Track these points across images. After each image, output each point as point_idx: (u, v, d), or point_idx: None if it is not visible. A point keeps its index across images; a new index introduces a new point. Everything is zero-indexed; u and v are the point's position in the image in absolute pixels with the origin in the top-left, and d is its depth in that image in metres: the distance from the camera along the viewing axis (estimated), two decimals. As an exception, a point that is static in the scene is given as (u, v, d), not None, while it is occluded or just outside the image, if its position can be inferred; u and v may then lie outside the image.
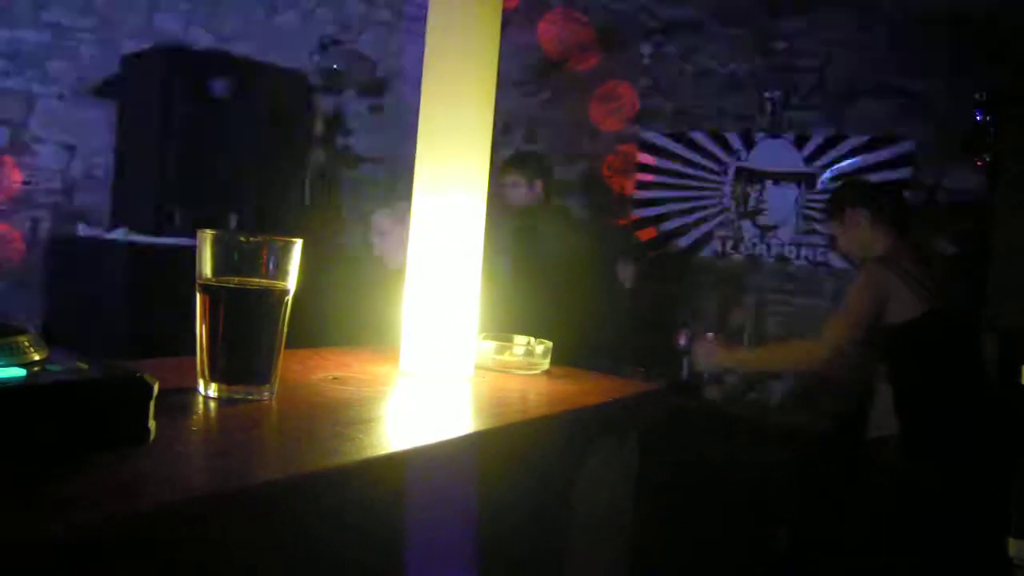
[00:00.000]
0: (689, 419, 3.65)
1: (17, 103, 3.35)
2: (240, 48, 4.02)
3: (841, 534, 3.09)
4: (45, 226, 3.48)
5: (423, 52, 1.23)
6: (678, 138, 4.91)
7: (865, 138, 4.40)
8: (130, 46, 3.61)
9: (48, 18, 3.38)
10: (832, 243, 3.08)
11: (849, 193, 3.11)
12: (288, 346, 0.96)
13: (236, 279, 0.90)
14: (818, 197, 4.51)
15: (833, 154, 4.49)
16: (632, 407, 1.28)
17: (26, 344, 0.65)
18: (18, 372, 0.60)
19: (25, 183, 3.42)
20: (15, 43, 3.31)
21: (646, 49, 5.00)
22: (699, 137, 4.85)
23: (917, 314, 2.72)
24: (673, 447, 2.96)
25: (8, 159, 3.36)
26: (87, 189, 3.60)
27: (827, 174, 4.50)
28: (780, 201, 4.64)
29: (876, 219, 2.94)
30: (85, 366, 0.64)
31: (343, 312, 2.82)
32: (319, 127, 4.19)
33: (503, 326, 1.40)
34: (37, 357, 0.65)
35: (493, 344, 1.31)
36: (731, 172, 4.78)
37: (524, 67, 4.92)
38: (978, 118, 3.70)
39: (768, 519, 3.54)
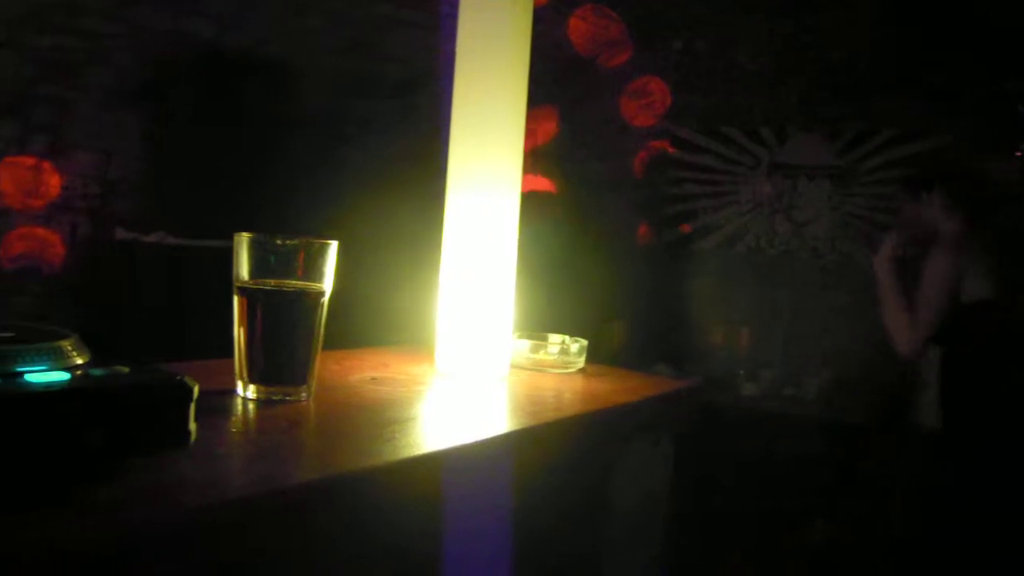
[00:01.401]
0: (725, 415, 3.63)
1: (55, 110, 3.40)
2: (271, 51, 4.04)
3: (880, 528, 3.05)
4: (84, 230, 3.53)
5: (454, 52, 1.23)
6: (710, 133, 4.89)
7: (899, 131, 4.35)
8: (164, 51, 3.65)
9: (84, 25, 3.43)
10: (900, 224, 2.90)
11: (922, 176, 2.94)
12: (325, 346, 0.97)
13: (273, 281, 0.91)
14: (852, 191, 4.47)
15: (866, 147, 4.45)
16: (667, 405, 1.28)
17: (69, 348, 0.66)
18: (62, 376, 0.61)
19: (64, 188, 3.46)
20: (52, 51, 3.35)
21: (677, 45, 4.98)
22: (731, 132, 4.82)
23: (985, 298, 2.60)
24: (709, 444, 2.95)
25: (47, 165, 3.41)
26: (125, 193, 3.65)
27: (861, 168, 4.45)
28: (813, 195, 4.61)
29: (950, 204, 2.80)
30: (127, 370, 0.65)
31: (379, 312, 2.83)
32: (351, 127, 4.21)
33: (539, 325, 1.40)
34: (80, 361, 0.66)
35: (528, 343, 1.31)
36: (764, 167, 4.74)
37: (555, 64, 4.91)
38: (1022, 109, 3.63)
39: (806, 514, 3.51)
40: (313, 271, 0.93)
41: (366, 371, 1.16)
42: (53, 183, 3.44)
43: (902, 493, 3.01)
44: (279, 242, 0.92)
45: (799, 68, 4.62)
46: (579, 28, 4.89)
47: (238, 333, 0.92)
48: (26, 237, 3.38)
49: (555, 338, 1.33)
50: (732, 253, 4.82)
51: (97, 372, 0.64)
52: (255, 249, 0.91)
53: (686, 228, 4.98)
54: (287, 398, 0.92)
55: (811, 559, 3.47)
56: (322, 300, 0.93)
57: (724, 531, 3.33)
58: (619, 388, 1.26)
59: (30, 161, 3.36)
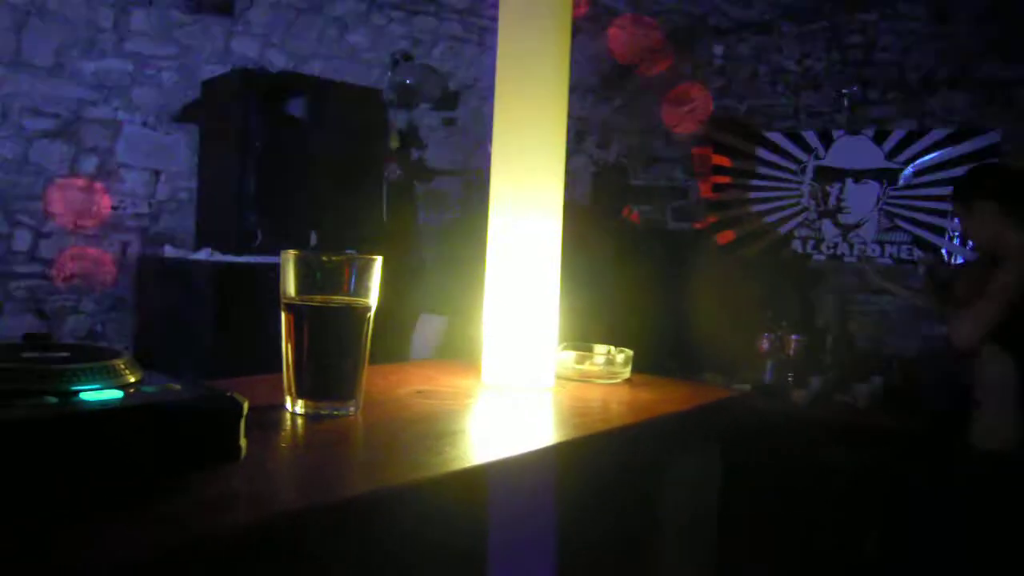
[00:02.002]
0: (774, 423, 3.59)
1: (104, 131, 3.47)
2: (314, 68, 4.09)
3: (934, 539, 3.00)
4: (134, 249, 3.59)
5: (495, 64, 1.24)
6: (754, 139, 4.85)
7: (948, 131, 4.29)
8: (209, 71, 3.70)
9: (131, 48, 3.49)
10: (961, 233, 2.82)
11: (976, 182, 2.85)
12: (371, 361, 0.97)
13: (319, 297, 0.92)
14: (901, 194, 4.41)
15: (915, 148, 4.39)
16: (716, 414, 1.27)
17: (122, 367, 0.67)
18: (116, 394, 0.62)
19: (114, 208, 3.53)
20: (100, 74, 3.42)
21: (718, 50, 4.96)
22: (775, 137, 4.78)
23: None
24: (759, 453, 2.92)
25: (98, 186, 3.47)
26: (172, 212, 3.71)
27: (909, 170, 4.40)
28: (861, 199, 4.55)
29: (1006, 211, 2.69)
30: (178, 387, 0.66)
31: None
32: (394, 142, 4.24)
33: (585, 335, 1.40)
34: (132, 379, 0.67)
35: (573, 354, 1.31)
36: (809, 171, 4.70)
37: (595, 74, 4.91)
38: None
39: (859, 524, 3.46)
40: (359, 287, 0.93)
41: (412, 385, 1.17)
42: (104, 203, 3.50)
43: (954, 500, 2.95)
44: (325, 259, 0.93)
45: (845, 69, 4.57)
46: (619, 37, 4.89)
47: (286, 349, 0.93)
48: (78, 257, 3.45)
49: (600, 348, 1.33)
50: (779, 258, 4.78)
51: (149, 390, 0.65)
52: (301, 266, 0.92)
53: (731, 235, 4.94)
54: (335, 412, 0.93)
55: (865, 570, 3.42)
56: (368, 315, 0.94)
57: (776, 541, 3.29)
58: (666, 398, 1.25)
59: (81, 182, 3.43)
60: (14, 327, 3.27)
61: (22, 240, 3.29)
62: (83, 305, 3.48)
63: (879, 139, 4.48)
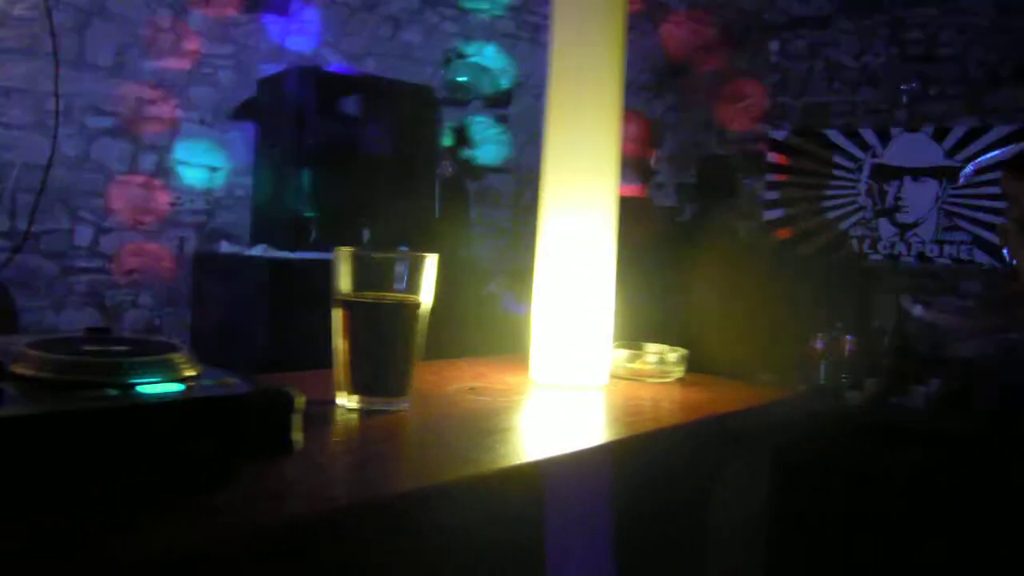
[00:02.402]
0: (829, 425, 3.54)
1: (163, 129, 3.53)
2: (368, 65, 4.12)
3: (998, 543, 2.93)
4: (191, 244, 3.65)
5: (547, 62, 1.24)
6: (810, 136, 4.78)
7: (1010, 128, 4.19)
8: (265, 70, 3.75)
9: (188, 47, 3.55)
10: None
11: None
12: (425, 357, 0.98)
13: (372, 294, 0.93)
14: (961, 192, 4.32)
15: (976, 146, 4.29)
16: (769, 414, 1.25)
17: (181, 360, 0.68)
18: (175, 388, 0.63)
19: (172, 204, 3.59)
20: (159, 73, 3.48)
21: (774, 46, 4.90)
22: (832, 134, 4.71)
23: None
24: (812, 455, 2.88)
25: (157, 183, 3.54)
26: (229, 208, 3.76)
27: (970, 168, 4.31)
28: (919, 198, 4.47)
29: None
30: (234, 382, 0.67)
31: (477, 321, 2.85)
32: (447, 140, 4.26)
33: (638, 334, 1.39)
34: (191, 373, 0.68)
35: (625, 352, 1.30)
36: (866, 169, 4.62)
37: (649, 71, 4.88)
38: None
39: (916, 527, 3.39)
40: (411, 283, 0.94)
41: (464, 381, 1.17)
42: (162, 200, 3.57)
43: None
44: (377, 255, 0.94)
45: (904, 65, 4.49)
46: (673, 34, 4.86)
47: (339, 345, 0.94)
48: (138, 252, 3.51)
49: (653, 347, 1.32)
50: (834, 258, 4.71)
51: (206, 384, 0.66)
52: (355, 263, 0.93)
53: (786, 233, 4.88)
54: (387, 408, 0.94)
55: (923, 575, 3.36)
56: (420, 312, 0.95)
57: (831, 545, 3.25)
58: (719, 398, 1.24)
59: (140, 179, 3.49)
60: (75, 320, 3.35)
61: (83, 235, 3.37)
62: (142, 299, 3.55)
63: (939, 136, 4.40)
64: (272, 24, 3.80)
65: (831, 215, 4.73)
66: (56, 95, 2.63)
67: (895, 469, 3.45)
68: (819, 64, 4.78)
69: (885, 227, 4.57)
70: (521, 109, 4.64)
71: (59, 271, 3.32)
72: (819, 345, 4.10)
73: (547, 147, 1.24)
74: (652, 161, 3.16)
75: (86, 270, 3.39)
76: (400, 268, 0.94)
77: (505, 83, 4.58)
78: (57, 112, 2.71)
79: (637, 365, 1.30)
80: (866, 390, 3.98)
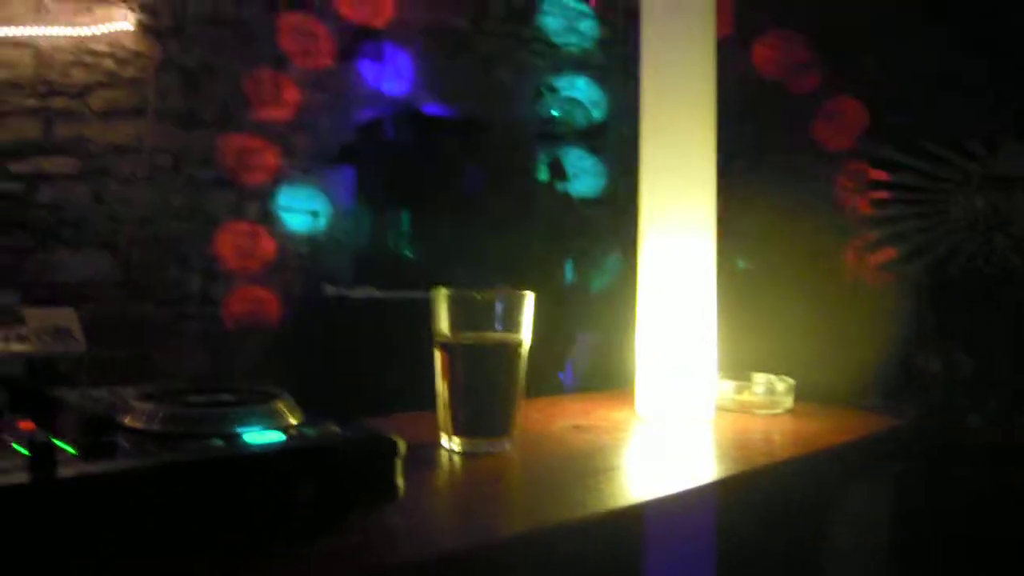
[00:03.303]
0: (951, 450, 3.39)
1: (266, 178, 3.63)
2: (463, 106, 4.18)
3: None
4: (295, 288, 3.74)
5: (638, 91, 1.23)
6: (913, 150, 4.64)
7: None
8: (362, 115, 3.84)
9: (288, 98, 3.66)
10: None
11: None
12: (527, 392, 0.97)
13: (472, 334, 0.92)
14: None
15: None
16: (886, 443, 1.20)
17: (283, 408, 0.69)
18: (277, 436, 0.64)
19: (277, 250, 3.69)
20: (262, 123, 3.60)
21: (869, 59, 4.78)
22: (935, 147, 4.56)
23: None
24: (935, 483, 2.76)
25: (261, 229, 3.64)
26: (331, 251, 3.84)
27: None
28: (1035, 209, 4.28)
29: None
30: (336, 428, 0.67)
31: (578, 355, 2.84)
32: (542, 174, 4.27)
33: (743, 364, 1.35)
34: (293, 420, 0.68)
35: (732, 383, 1.27)
36: (975, 181, 4.45)
37: (741, 94, 4.82)
38: None
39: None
40: (511, 322, 0.93)
41: (568, 419, 1.16)
42: (267, 246, 3.66)
43: None
44: (476, 295, 0.93)
45: (1012, 72, 4.32)
46: (764, 55, 4.79)
47: (441, 386, 0.94)
48: (245, 298, 3.61)
49: (760, 377, 1.28)
50: (945, 275, 4.54)
51: (309, 431, 0.66)
52: (453, 303, 0.93)
53: (892, 252, 4.73)
54: (491, 449, 0.93)
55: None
56: (521, 351, 0.94)
57: (956, 574, 3.10)
58: (832, 428, 1.20)
59: (246, 227, 3.59)
60: (188, 366, 3.45)
61: (194, 283, 3.48)
62: (250, 343, 3.64)
63: (1053, 144, 4.21)
64: (367, 70, 3.89)
65: (940, 230, 4.57)
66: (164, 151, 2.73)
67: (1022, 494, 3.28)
68: (919, 75, 4.64)
69: (999, 240, 4.39)
70: (615, 141, 4.63)
71: (171, 318, 3.43)
72: (934, 367, 3.95)
73: (643, 176, 1.22)
74: None
75: (197, 316, 3.50)
76: (499, 307, 0.94)
77: (598, 115, 4.58)
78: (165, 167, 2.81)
79: (745, 396, 1.26)
80: (987, 411, 3.81)
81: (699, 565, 0.86)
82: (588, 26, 4.65)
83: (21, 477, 0.51)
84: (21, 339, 2.24)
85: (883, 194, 4.76)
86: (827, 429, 1.19)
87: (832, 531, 1.09)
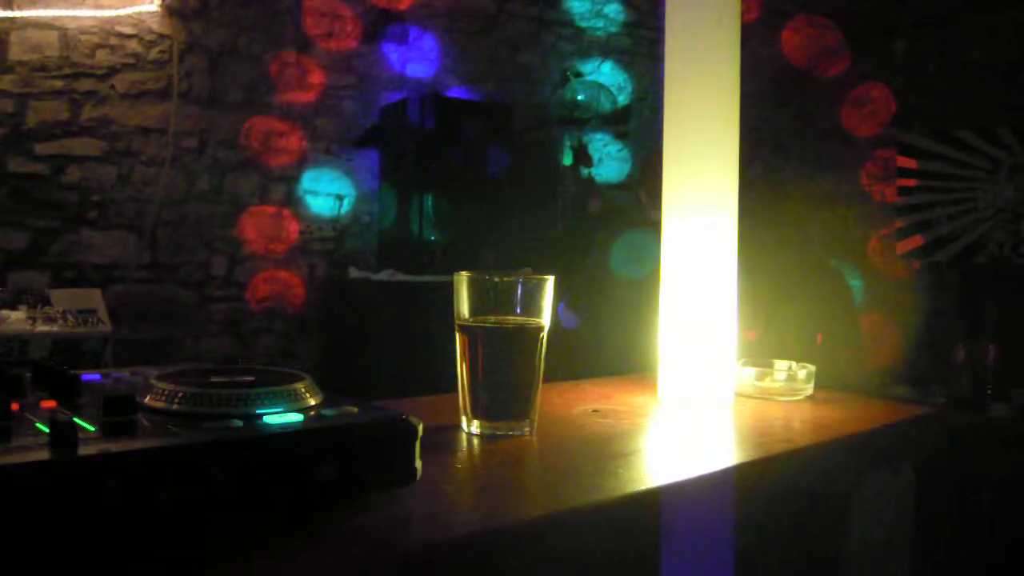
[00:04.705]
0: (973, 440, 3.36)
1: (291, 160, 3.64)
2: (487, 89, 4.17)
3: None
4: (320, 271, 3.75)
5: (663, 77, 1.22)
6: (941, 138, 4.59)
7: None
8: (387, 97, 3.84)
9: (313, 80, 3.67)
10: None
11: None
12: (546, 375, 0.97)
13: (493, 318, 0.92)
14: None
15: None
16: (908, 431, 1.19)
17: (303, 390, 0.69)
18: (297, 418, 0.64)
19: (301, 233, 3.70)
20: (285, 106, 3.60)
21: (899, 46, 4.72)
22: (965, 134, 4.51)
23: None
24: (956, 472, 2.74)
25: (286, 212, 3.65)
26: (355, 234, 3.85)
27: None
28: (1066, 197, 4.23)
29: None
30: (355, 410, 0.68)
31: (600, 340, 2.83)
32: (567, 159, 4.26)
33: (765, 351, 1.35)
34: (313, 402, 0.69)
35: (753, 370, 1.26)
36: (1004, 169, 4.40)
37: (769, 80, 4.78)
38: None
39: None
40: (532, 306, 0.93)
41: (588, 403, 1.16)
42: (292, 229, 3.68)
43: None
44: (497, 279, 0.93)
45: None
46: (793, 40, 4.74)
47: (461, 369, 0.94)
48: (270, 280, 3.63)
49: (781, 364, 1.28)
50: (973, 264, 4.49)
51: (328, 413, 0.66)
52: (474, 287, 0.93)
53: (920, 240, 4.69)
54: (510, 433, 0.93)
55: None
56: (541, 334, 0.94)
57: (978, 566, 3.08)
58: (853, 415, 1.19)
59: (271, 210, 3.61)
60: (213, 348, 3.48)
61: (219, 265, 3.50)
62: (274, 325, 3.66)
63: (1085, 132, 4.16)
64: (392, 53, 3.88)
65: (967, 219, 4.52)
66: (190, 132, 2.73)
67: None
68: (948, 62, 4.58)
69: (1028, 229, 4.34)
70: (641, 125, 4.61)
71: (197, 300, 3.46)
72: (960, 356, 3.92)
73: (666, 161, 1.22)
74: None
75: (222, 299, 3.52)
76: (520, 290, 0.93)
77: (623, 100, 4.55)
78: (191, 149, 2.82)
79: (765, 383, 1.26)
80: (1013, 402, 3.78)
81: (717, 551, 0.86)
82: (614, 9, 4.62)
83: (42, 454, 0.51)
84: (47, 320, 2.26)
85: (911, 182, 4.71)
86: (848, 416, 1.18)
87: (852, 518, 1.09)
